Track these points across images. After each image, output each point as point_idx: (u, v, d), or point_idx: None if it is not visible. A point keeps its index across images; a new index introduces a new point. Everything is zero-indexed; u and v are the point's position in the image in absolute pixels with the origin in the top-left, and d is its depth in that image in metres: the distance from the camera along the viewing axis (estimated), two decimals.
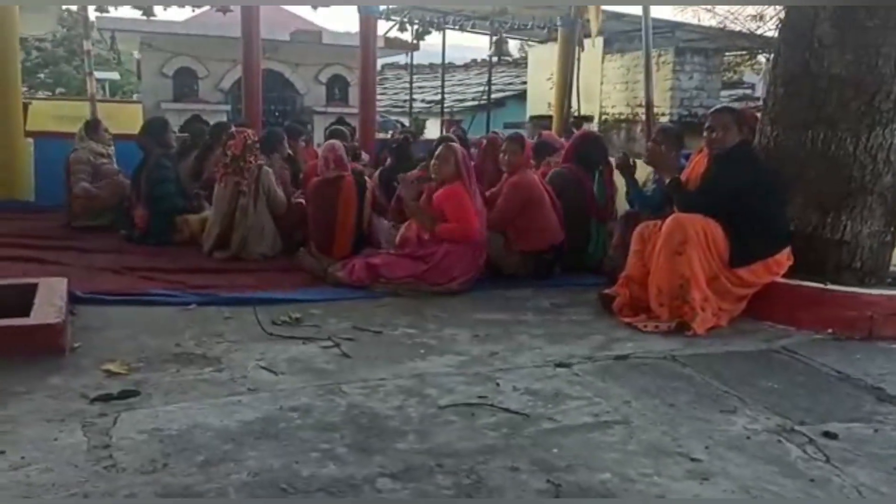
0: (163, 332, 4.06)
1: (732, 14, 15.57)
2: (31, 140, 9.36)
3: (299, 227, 6.27)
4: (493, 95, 16.66)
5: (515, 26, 14.15)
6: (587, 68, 13.20)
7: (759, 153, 4.94)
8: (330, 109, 16.54)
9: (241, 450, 2.63)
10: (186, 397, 3.13)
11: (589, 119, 13.50)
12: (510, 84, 20.15)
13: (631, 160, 5.60)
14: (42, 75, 29.58)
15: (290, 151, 7.34)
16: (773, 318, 4.55)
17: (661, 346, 4.08)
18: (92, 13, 12.84)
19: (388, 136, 10.56)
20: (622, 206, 6.19)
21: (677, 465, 2.63)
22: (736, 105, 11.16)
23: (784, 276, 4.60)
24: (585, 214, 5.98)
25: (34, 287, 4.11)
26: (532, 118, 14.17)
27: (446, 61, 16.55)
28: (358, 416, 2.98)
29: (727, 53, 16.06)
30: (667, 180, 4.94)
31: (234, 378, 3.39)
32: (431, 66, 21.72)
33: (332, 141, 6.34)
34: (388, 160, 7.55)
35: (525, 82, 17.36)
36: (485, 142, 7.10)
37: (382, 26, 13.46)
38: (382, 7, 12.40)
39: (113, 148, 8.17)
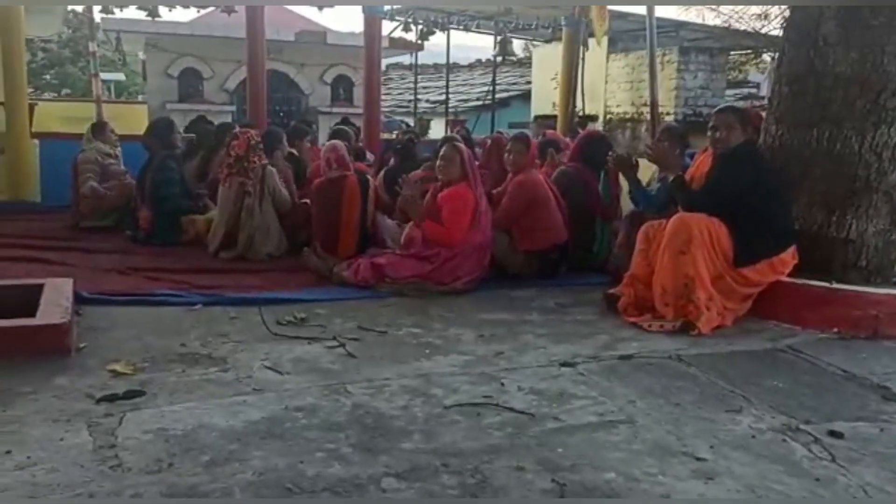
0: (168, 333, 4.07)
1: (737, 13, 15.51)
2: (36, 141, 9.40)
3: (304, 226, 6.28)
4: (497, 95, 16.63)
5: (520, 26, 14.14)
6: (591, 68, 13.20)
7: (763, 152, 4.93)
8: (335, 110, 16.52)
9: (247, 450, 2.64)
10: (192, 397, 3.14)
11: (593, 118, 13.49)
12: (514, 84, 20.14)
13: (634, 159, 5.60)
14: (48, 76, 29.68)
15: (292, 150, 7.35)
16: (778, 317, 4.54)
17: (666, 345, 4.07)
18: (97, 14, 12.90)
19: (393, 136, 10.56)
20: (627, 205, 6.18)
21: (682, 465, 2.62)
22: (740, 104, 11.16)
23: (789, 275, 4.59)
24: (590, 214, 5.98)
25: (40, 287, 4.13)
26: (536, 118, 14.14)
27: (451, 61, 16.52)
28: (363, 416, 2.98)
29: (732, 52, 16.02)
30: (671, 179, 4.94)
31: (240, 378, 3.40)
32: (436, 66, 21.68)
33: (333, 141, 6.36)
34: (393, 160, 7.56)
35: (529, 82, 17.35)
36: (489, 142, 7.10)
37: (387, 26, 13.49)
38: (387, 7, 12.41)
39: (120, 149, 8.20)
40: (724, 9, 15.43)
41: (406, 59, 19.84)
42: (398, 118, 18.52)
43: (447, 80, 16.16)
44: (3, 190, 9.08)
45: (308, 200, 6.37)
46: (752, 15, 15.20)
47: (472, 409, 3.08)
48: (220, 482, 2.41)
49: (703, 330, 4.27)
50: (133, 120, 11.83)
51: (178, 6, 13.36)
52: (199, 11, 17.55)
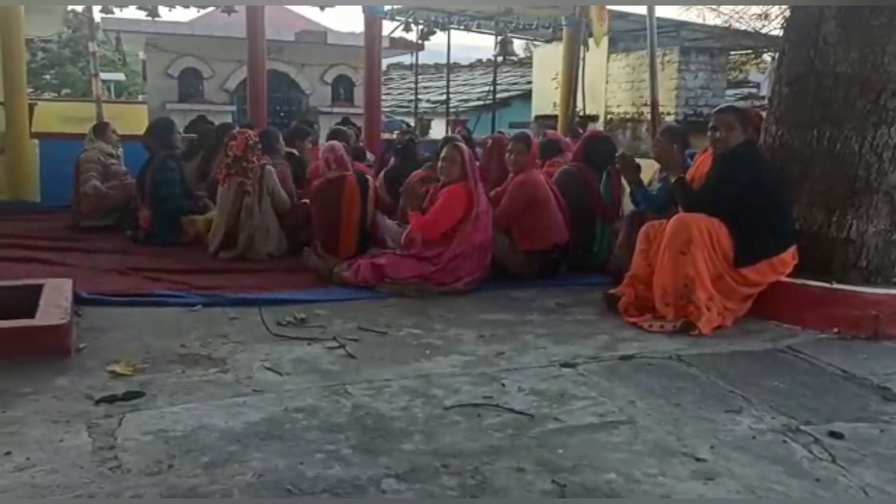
0: (168, 333, 4.07)
1: (737, 13, 15.53)
2: (36, 141, 9.40)
3: (304, 227, 6.28)
4: (498, 95, 16.63)
5: (520, 26, 14.14)
6: (592, 68, 13.19)
7: (763, 152, 4.93)
8: (335, 110, 16.53)
9: (246, 451, 2.64)
10: (191, 398, 3.14)
11: (594, 119, 13.49)
12: (515, 84, 20.13)
13: (636, 163, 5.59)
14: (48, 76, 29.68)
15: (292, 150, 7.35)
16: (778, 317, 4.54)
17: (667, 345, 4.07)
18: (97, 14, 12.90)
19: (394, 136, 10.57)
20: (627, 205, 6.18)
21: (682, 466, 2.62)
22: (741, 104, 11.16)
23: (789, 275, 4.58)
24: (591, 214, 5.98)
25: (40, 288, 4.13)
26: (537, 118, 14.15)
27: (451, 61, 16.52)
28: (363, 417, 2.98)
29: (732, 52, 16.03)
30: (672, 179, 4.94)
31: (240, 379, 3.40)
32: (436, 66, 21.69)
33: (331, 142, 6.36)
34: (393, 160, 7.56)
35: (530, 82, 17.34)
36: (490, 141, 7.10)
37: (387, 26, 13.49)
38: (387, 7, 12.40)
39: (121, 150, 8.21)
40: (725, 9, 15.46)
41: (407, 58, 19.88)
42: (399, 118, 18.52)
43: (448, 80, 16.16)
44: (2, 190, 9.09)
45: (308, 200, 6.36)
46: (753, 15, 15.23)
47: (472, 410, 3.08)
48: (219, 483, 2.41)
49: (704, 330, 4.26)
50: (133, 120, 11.82)
51: (178, 6, 13.37)
52: (199, 11, 17.56)
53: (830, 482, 2.54)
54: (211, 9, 15.32)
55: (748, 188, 4.51)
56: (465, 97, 20.04)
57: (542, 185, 5.71)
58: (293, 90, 16.65)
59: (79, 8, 15.24)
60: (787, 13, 5.34)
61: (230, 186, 6.24)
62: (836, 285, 4.52)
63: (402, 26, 14.21)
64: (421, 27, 14.31)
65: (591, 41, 12.58)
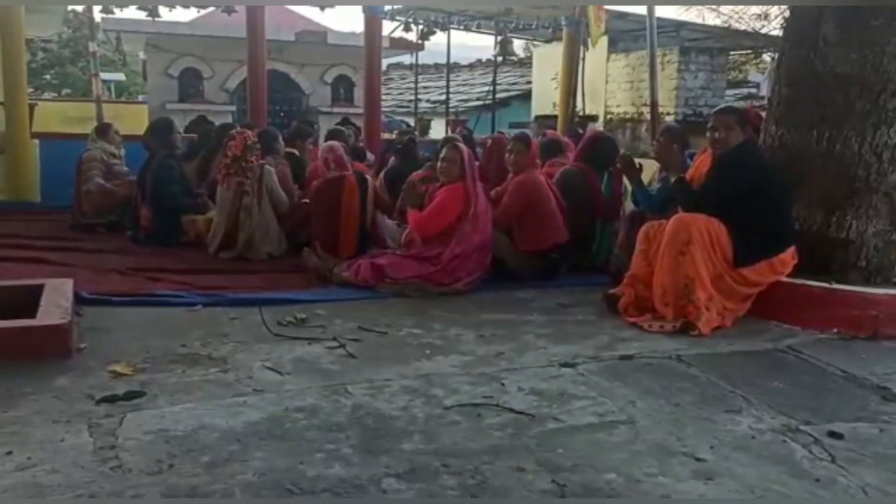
0: (168, 333, 4.07)
1: (737, 13, 15.54)
2: (37, 141, 9.40)
3: (304, 227, 6.28)
4: (497, 95, 16.65)
5: (520, 26, 14.17)
6: (592, 68, 13.20)
7: (762, 152, 4.93)
8: (335, 110, 16.56)
9: (247, 450, 2.64)
10: (192, 398, 3.14)
11: (594, 119, 13.49)
12: (515, 84, 20.15)
13: (638, 164, 5.60)
14: (48, 76, 29.67)
15: (292, 150, 7.35)
16: (778, 317, 4.54)
17: (667, 345, 4.07)
18: (97, 14, 12.92)
19: (394, 136, 10.59)
20: (627, 205, 6.19)
21: (682, 466, 2.63)
22: (740, 104, 11.17)
23: (789, 275, 4.58)
24: (591, 214, 5.97)
25: (40, 288, 4.13)
26: (537, 118, 14.16)
27: (451, 61, 16.54)
28: (363, 417, 2.98)
29: (732, 53, 16.04)
30: (672, 179, 4.94)
31: (240, 379, 3.40)
32: (436, 66, 21.72)
33: (330, 142, 6.37)
34: (393, 160, 7.56)
35: (530, 82, 17.36)
36: (490, 142, 7.10)
37: (387, 26, 13.51)
38: (387, 7, 12.42)
39: (123, 150, 8.22)
40: (725, 9, 15.46)
41: (407, 58, 19.90)
42: (399, 118, 18.54)
43: (448, 80, 16.18)
44: (3, 190, 9.08)
45: (307, 200, 6.37)
46: (752, 15, 15.23)
47: (472, 410, 3.08)
48: (220, 483, 2.41)
49: (704, 330, 4.26)
50: (133, 120, 11.82)
51: (178, 6, 13.37)
52: (199, 11, 17.57)
53: (830, 482, 2.55)
54: (211, 9, 15.33)
55: (748, 188, 4.51)
56: (464, 97, 20.06)
57: (542, 185, 5.72)
58: (293, 90, 16.67)
59: (79, 8, 15.26)
60: (787, 13, 5.34)
61: (229, 186, 6.24)
62: (835, 285, 4.52)
63: (402, 26, 14.24)
64: (421, 27, 14.33)
65: (589, 41, 12.58)
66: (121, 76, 26.31)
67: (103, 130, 8.12)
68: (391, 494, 2.38)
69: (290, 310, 4.57)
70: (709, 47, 13.78)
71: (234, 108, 15.76)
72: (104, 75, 16.34)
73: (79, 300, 4.38)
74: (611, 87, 14.05)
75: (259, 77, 10.08)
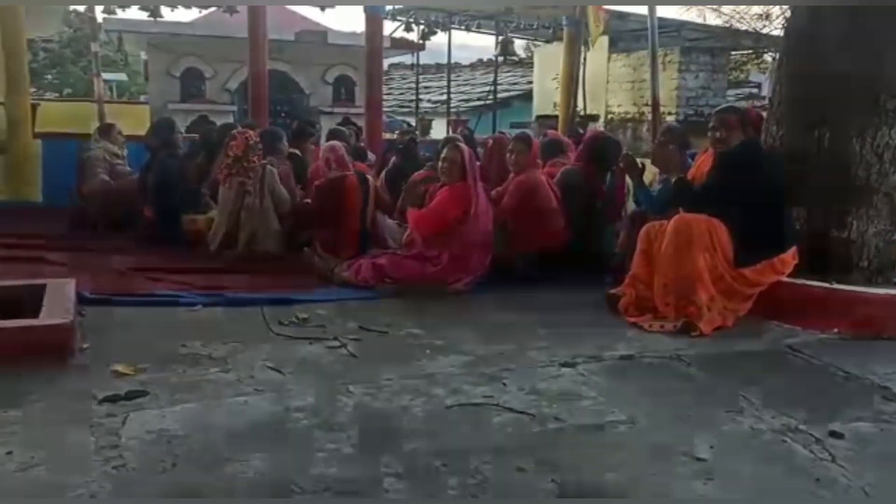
0: (170, 333, 4.07)
1: (738, 13, 15.55)
2: (39, 141, 9.40)
3: (305, 226, 6.28)
4: (498, 95, 16.66)
5: (521, 26, 14.18)
6: (593, 68, 13.18)
7: (763, 152, 4.93)
8: (336, 110, 16.54)
9: (248, 450, 2.65)
10: (193, 398, 3.15)
11: (595, 118, 13.48)
12: (516, 84, 20.14)
13: (640, 164, 5.60)
14: (49, 77, 29.66)
15: (294, 150, 7.35)
16: (779, 317, 4.53)
17: (667, 345, 4.07)
18: (99, 14, 12.89)
19: (395, 136, 10.58)
20: (629, 205, 6.18)
21: (683, 465, 2.63)
22: (742, 104, 11.16)
23: (790, 275, 4.58)
24: (592, 214, 5.97)
25: (42, 288, 4.13)
26: (538, 118, 14.14)
27: (452, 61, 16.55)
28: (364, 417, 2.99)
29: (733, 53, 16.04)
30: (673, 180, 4.94)
31: (241, 378, 3.41)
32: (437, 65, 21.71)
33: (331, 142, 6.37)
34: (394, 160, 7.56)
35: (531, 82, 17.34)
36: (491, 142, 7.10)
37: (388, 26, 13.51)
38: (388, 7, 12.41)
39: (126, 151, 8.23)
40: (726, 9, 15.47)
41: (407, 58, 19.91)
42: (400, 118, 18.54)
43: (448, 80, 16.18)
44: (4, 190, 9.08)
45: (309, 200, 6.37)
46: (754, 15, 15.25)
47: (472, 410, 3.09)
48: (222, 482, 2.42)
49: (704, 330, 4.27)
50: (135, 120, 11.81)
51: (179, 6, 13.38)
52: (200, 11, 17.57)
53: (830, 482, 2.55)
54: (212, 9, 15.33)
55: (749, 188, 4.51)
56: (465, 97, 20.06)
57: (543, 185, 5.72)
58: (294, 90, 16.66)
59: (81, 8, 15.25)
60: (788, 14, 5.34)
61: (231, 186, 6.25)
62: (836, 285, 4.52)
63: (402, 26, 14.24)
64: (422, 27, 14.33)
65: (589, 41, 12.57)
66: (122, 76, 26.30)
67: (106, 130, 8.13)
68: (392, 494, 2.38)
69: (291, 309, 4.57)
70: (710, 47, 13.77)
71: (235, 108, 15.76)
72: (106, 75, 16.35)
73: (81, 300, 4.38)
74: (612, 86, 14.04)
75: (260, 77, 10.07)
